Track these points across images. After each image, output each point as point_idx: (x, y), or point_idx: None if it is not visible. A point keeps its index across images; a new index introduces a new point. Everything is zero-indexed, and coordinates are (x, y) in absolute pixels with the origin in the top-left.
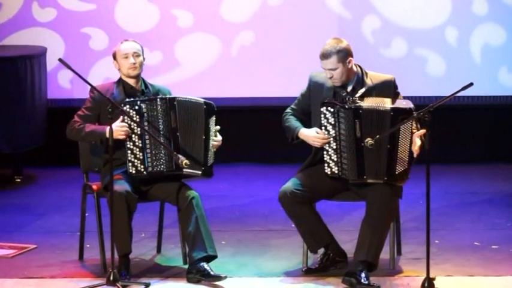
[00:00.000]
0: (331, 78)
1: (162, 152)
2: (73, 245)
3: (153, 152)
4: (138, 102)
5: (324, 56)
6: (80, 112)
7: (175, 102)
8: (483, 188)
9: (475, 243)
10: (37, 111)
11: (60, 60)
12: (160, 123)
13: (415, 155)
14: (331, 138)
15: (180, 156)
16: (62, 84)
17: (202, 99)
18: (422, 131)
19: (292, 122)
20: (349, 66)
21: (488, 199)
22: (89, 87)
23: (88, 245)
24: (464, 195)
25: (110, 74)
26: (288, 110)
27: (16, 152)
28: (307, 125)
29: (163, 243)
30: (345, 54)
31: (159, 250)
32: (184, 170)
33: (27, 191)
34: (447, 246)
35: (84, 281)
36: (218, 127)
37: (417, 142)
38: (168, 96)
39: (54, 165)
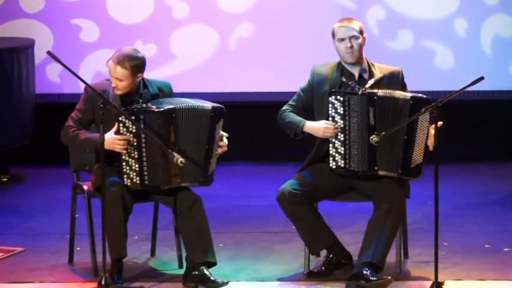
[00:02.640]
0: (351, 48)
1: (160, 167)
2: (62, 248)
3: (150, 167)
4: (136, 112)
5: (346, 23)
6: (73, 115)
7: (174, 114)
8: (494, 188)
9: (486, 245)
10: (24, 107)
11: (48, 53)
12: (158, 136)
13: (431, 148)
14: (339, 130)
15: (175, 154)
16: (51, 79)
17: (210, 105)
18: (440, 123)
19: (294, 116)
20: (364, 44)
21: (499, 199)
22: (83, 85)
23: (78, 248)
24: (474, 196)
25: (102, 68)
26: (285, 107)
27: (2, 149)
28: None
29: (158, 246)
30: (362, 29)
31: (153, 253)
32: (182, 183)
33: (14, 191)
34: (456, 249)
35: (74, 285)
36: (226, 134)
37: (432, 133)
38: (167, 107)
39: (42, 163)
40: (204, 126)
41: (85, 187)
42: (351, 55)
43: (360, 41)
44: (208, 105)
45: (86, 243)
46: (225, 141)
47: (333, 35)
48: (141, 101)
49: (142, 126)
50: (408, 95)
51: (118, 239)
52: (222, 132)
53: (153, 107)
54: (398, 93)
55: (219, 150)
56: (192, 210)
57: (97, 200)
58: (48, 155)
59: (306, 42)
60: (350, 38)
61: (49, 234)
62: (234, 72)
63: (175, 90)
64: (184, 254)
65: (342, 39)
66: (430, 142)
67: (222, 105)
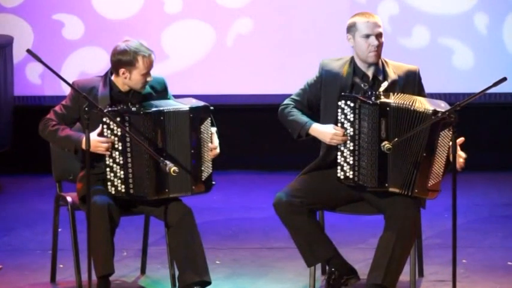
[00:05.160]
0: (377, 46)
1: (147, 175)
2: (44, 265)
3: (136, 174)
4: (121, 112)
5: (373, 20)
6: (57, 108)
7: (162, 117)
8: None
9: (509, 263)
10: (2, 110)
11: (28, 51)
12: (145, 140)
13: (458, 167)
14: (349, 137)
15: (167, 162)
16: (31, 79)
17: (188, 106)
18: (461, 140)
19: (299, 115)
20: None
21: None
22: (66, 86)
23: (61, 265)
24: (495, 208)
25: (86, 68)
26: (289, 101)
27: None
28: (315, 121)
29: (148, 263)
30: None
31: (143, 271)
32: (171, 194)
33: None
34: (476, 266)
35: None
36: (214, 129)
37: (462, 154)
38: (155, 109)
39: (22, 172)
40: (186, 129)
41: (69, 199)
42: (375, 54)
43: (383, 39)
44: (186, 106)
45: (70, 260)
46: (215, 142)
47: (352, 30)
48: (130, 104)
49: (127, 129)
50: (430, 107)
51: (104, 254)
52: (212, 129)
53: (140, 108)
54: (416, 104)
55: (211, 154)
56: (181, 225)
57: (82, 213)
58: (28, 162)
59: (312, 39)
60: (377, 35)
61: (29, 250)
62: (232, 72)
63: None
64: (177, 272)
65: (368, 36)
66: (458, 160)
67: (205, 104)
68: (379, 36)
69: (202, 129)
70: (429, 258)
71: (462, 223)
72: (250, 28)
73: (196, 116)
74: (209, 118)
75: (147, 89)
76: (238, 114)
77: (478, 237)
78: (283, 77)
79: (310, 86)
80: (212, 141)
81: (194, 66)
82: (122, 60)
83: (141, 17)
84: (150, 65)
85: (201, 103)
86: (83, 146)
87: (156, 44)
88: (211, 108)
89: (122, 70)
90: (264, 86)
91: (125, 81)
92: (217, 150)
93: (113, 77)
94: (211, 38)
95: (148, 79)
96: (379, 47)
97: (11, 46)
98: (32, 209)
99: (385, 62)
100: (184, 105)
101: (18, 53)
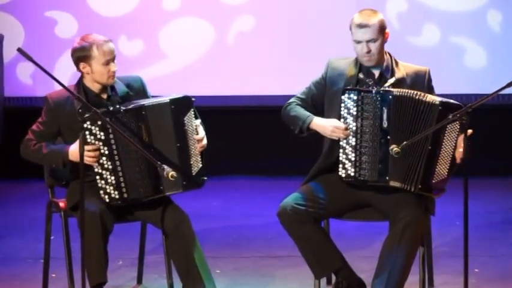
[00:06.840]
0: (368, 53)
1: (138, 175)
2: (36, 274)
3: (127, 176)
4: (101, 115)
5: (364, 24)
6: (34, 127)
7: (143, 112)
8: None
9: None
10: None
11: (19, 50)
12: (132, 139)
13: (458, 160)
14: (351, 133)
15: (165, 167)
16: (22, 80)
17: (168, 98)
18: (469, 131)
19: (302, 111)
20: (386, 41)
21: None
22: (59, 87)
23: (54, 275)
24: (509, 214)
25: None
26: (293, 100)
27: None
28: None
29: (145, 273)
30: (383, 25)
31: (139, 281)
32: (166, 192)
33: None
34: (489, 276)
35: None
36: (198, 121)
37: (461, 143)
38: (134, 104)
39: (12, 177)
40: (168, 121)
41: (61, 205)
42: (369, 59)
43: (379, 42)
44: (165, 99)
45: (63, 269)
46: (201, 133)
47: (350, 30)
48: (110, 104)
49: (110, 130)
50: (437, 99)
51: (96, 262)
52: (196, 121)
53: (120, 107)
54: (422, 96)
55: (198, 146)
56: (178, 232)
57: (75, 220)
58: (19, 167)
59: (317, 37)
60: (368, 41)
61: (20, 259)
62: (232, 72)
63: (163, 92)
64: (176, 282)
65: (359, 42)
66: (458, 154)
67: (185, 95)
68: (370, 42)
69: (185, 121)
70: (439, 268)
71: (474, 231)
72: (251, 26)
73: (177, 107)
74: (192, 110)
75: (124, 88)
76: (238, 116)
77: (491, 246)
78: (285, 77)
79: (315, 85)
80: (198, 133)
81: (193, 65)
82: (80, 56)
83: (138, 14)
84: (108, 53)
85: (181, 95)
86: (70, 157)
87: (153, 42)
88: (193, 99)
89: (81, 65)
90: (266, 87)
91: (90, 77)
92: (205, 142)
93: (84, 81)
94: (211, 36)
95: (113, 69)
96: (371, 52)
97: (1, 45)
98: (23, 215)
99: (395, 61)
100: (164, 98)
101: (9, 52)
